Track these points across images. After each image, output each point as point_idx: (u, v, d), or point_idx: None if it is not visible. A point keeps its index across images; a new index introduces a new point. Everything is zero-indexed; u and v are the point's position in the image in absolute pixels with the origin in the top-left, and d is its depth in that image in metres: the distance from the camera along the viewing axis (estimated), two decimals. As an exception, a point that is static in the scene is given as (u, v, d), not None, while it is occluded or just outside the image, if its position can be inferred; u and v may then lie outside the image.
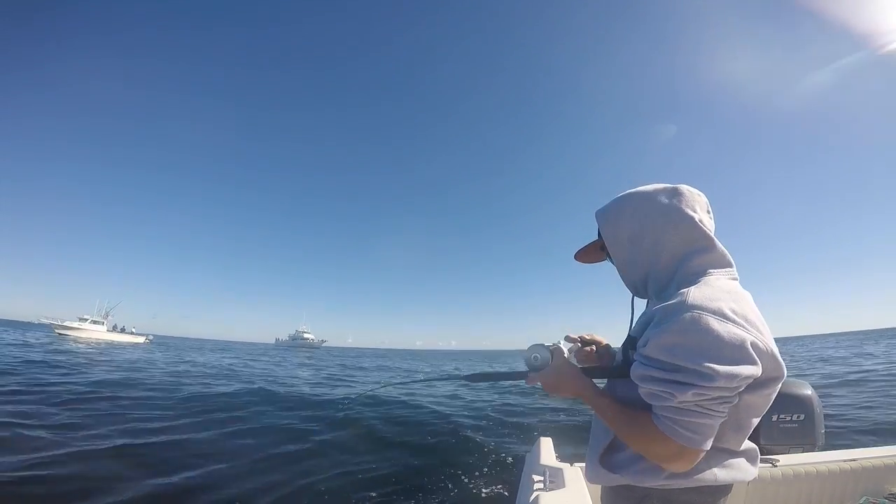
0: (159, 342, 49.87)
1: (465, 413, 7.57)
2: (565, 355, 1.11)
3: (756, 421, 0.95)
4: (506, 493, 3.71)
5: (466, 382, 1.20)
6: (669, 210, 1.00)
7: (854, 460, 2.11)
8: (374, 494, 3.73)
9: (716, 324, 0.82)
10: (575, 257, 1.24)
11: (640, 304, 1.14)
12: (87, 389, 8.06)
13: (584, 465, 1.93)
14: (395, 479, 4.08)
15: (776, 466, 2.00)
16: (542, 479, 1.79)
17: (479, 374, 1.20)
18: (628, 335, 1.08)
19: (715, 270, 0.97)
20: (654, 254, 1.02)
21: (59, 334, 37.75)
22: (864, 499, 2.07)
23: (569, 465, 1.93)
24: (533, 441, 2.45)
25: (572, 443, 4.89)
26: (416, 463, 4.63)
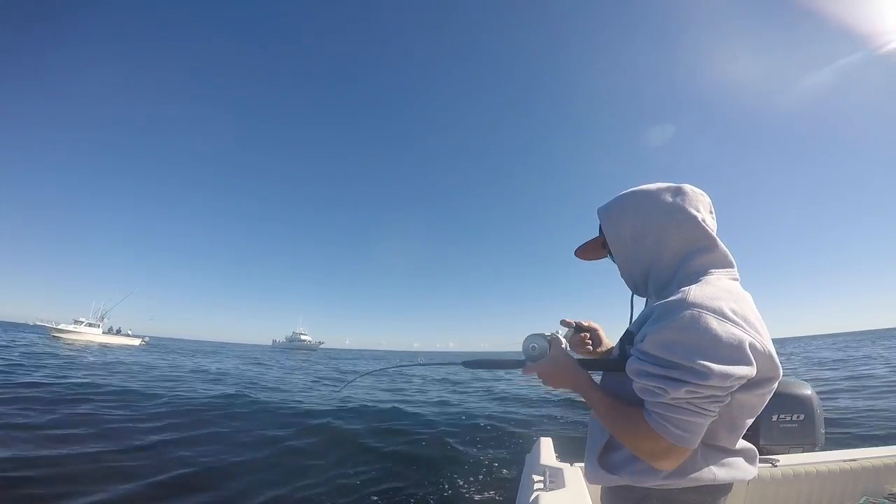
0: (155, 344, 49.56)
1: (461, 417, 7.50)
2: (563, 345, 1.11)
3: (750, 421, 0.95)
4: (506, 493, 3.70)
5: (465, 367, 1.22)
6: (673, 209, 1.00)
7: (854, 460, 2.12)
8: (375, 499, 3.72)
9: (715, 323, 0.83)
10: (575, 254, 1.25)
11: (639, 303, 1.15)
12: (58, 391, 7.88)
13: (584, 464, 1.92)
14: (386, 486, 4.02)
15: (776, 466, 2.00)
16: (542, 479, 1.79)
17: (477, 360, 1.22)
18: (626, 330, 1.09)
19: (716, 270, 0.97)
20: (657, 252, 1.02)
21: (54, 337, 37.52)
22: (864, 499, 2.07)
23: (569, 465, 1.93)
24: (533, 441, 2.45)
25: (572, 443, 4.86)
26: (413, 466, 4.57)
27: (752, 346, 0.83)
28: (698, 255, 0.98)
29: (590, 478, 1.09)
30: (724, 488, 1.00)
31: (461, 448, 5.18)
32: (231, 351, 46.78)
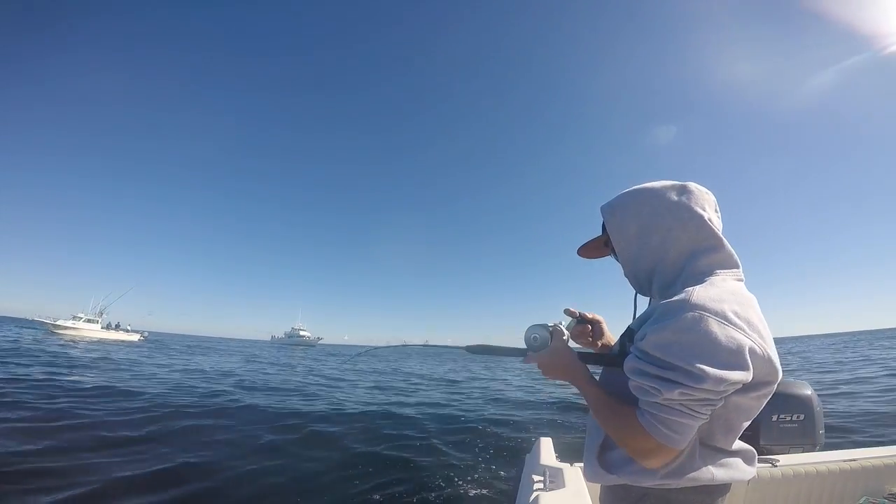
0: (153, 339, 49.27)
1: (459, 419, 7.44)
2: (564, 337, 1.11)
3: (746, 423, 0.95)
4: (506, 493, 3.69)
5: (468, 352, 1.23)
6: (679, 207, 0.99)
7: (854, 460, 2.12)
8: (374, 491, 3.70)
9: (715, 326, 0.82)
10: (578, 252, 1.23)
11: (643, 301, 1.13)
12: (40, 388, 7.82)
13: (582, 463, 1.92)
14: (384, 487, 3.94)
15: (776, 466, 2.00)
16: (542, 479, 1.78)
17: (479, 346, 1.23)
18: (628, 327, 1.07)
19: (722, 271, 0.96)
20: (662, 251, 1.01)
21: (53, 333, 37.49)
22: (864, 499, 2.07)
23: (569, 465, 1.93)
24: (533, 441, 2.45)
25: (572, 443, 4.89)
26: (410, 467, 4.52)
27: (751, 350, 0.83)
28: (704, 255, 0.96)
29: (588, 476, 1.09)
30: (723, 488, 0.99)
31: (460, 448, 5.17)
32: (229, 346, 46.77)
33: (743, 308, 0.86)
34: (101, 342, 31.71)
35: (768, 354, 0.86)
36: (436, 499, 3.66)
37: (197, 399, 8.13)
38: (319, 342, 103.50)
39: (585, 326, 1.32)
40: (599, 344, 1.32)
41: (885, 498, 2.07)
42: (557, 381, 1.07)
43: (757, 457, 1.03)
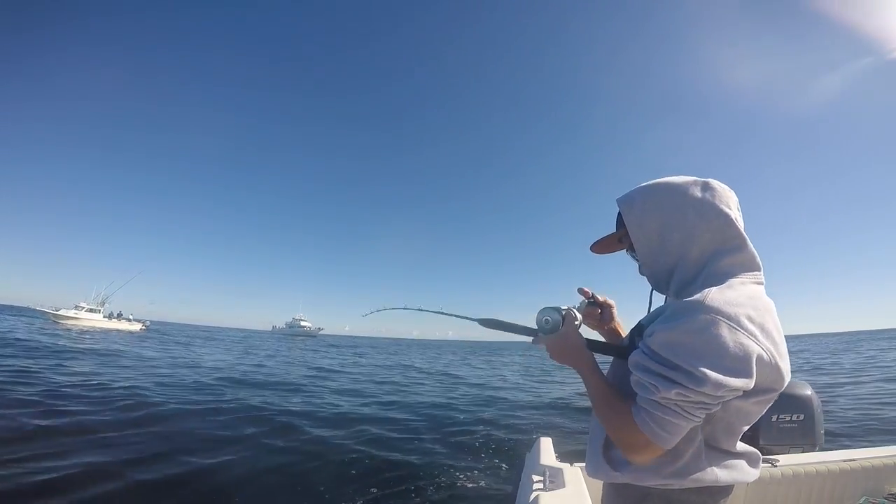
0: (155, 329, 49.14)
1: (458, 417, 7.26)
2: (577, 322, 1.10)
3: (745, 427, 0.95)
4: (505, 493, 3.59)
5: (480, 324, 1.23)
6: (703, 205, 0.95)
7: (854, 460, 2.11)
8: (374, 491, 3.66)
9: (726, 330, 0.80)
10: (591, 249, 1.19)
11: (658, 298, 1.11)
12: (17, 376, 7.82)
13: (584, 464, 1.90)
14: (383, 482, 3.90)
15: (776, 466, 1.99)
16: (541, 479, 1.77)
17: (492, 320, 1.23)
18: (638, 322, 1.06)
19: (743, 273, 0.92)
20: (683, 249, 0.97)
21: (55, 322, 37.62)
22: (863, 499, 2.07)
23: (569, 465, 1.92)
24: (533, 441, 2.44)
25: (572, 443, 4.89)
26: (408, 465, 4.43)
27: (759, 357, 0.81)
28: (727, 255, 0.93)
29: (591, 472, 1.08)
30: (725, 490, 0.99)
31: (459, 447, 5.11)
32: (228, 336, 46.73)
33: (759, 313, 0.84)
34: (102, 331, 31.77)
35: (776, 362, 0.84)
36: (435, 499, 3.63)
37: (183, 393, 7.77)
38: (320, 332, 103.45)
39: (595, 308, 1.31)
40: (606, 328, 1.30)
41: (885, 498, 2.06)
42: (565, 368, 1.07)
43: (761, 458, 1.02)
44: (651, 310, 1.08)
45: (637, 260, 1.07)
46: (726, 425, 0.92)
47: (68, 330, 28.59)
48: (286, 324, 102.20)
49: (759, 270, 0.95)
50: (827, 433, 2.23)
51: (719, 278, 0.90)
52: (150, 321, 54.63)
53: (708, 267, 0.93)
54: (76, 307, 43.72)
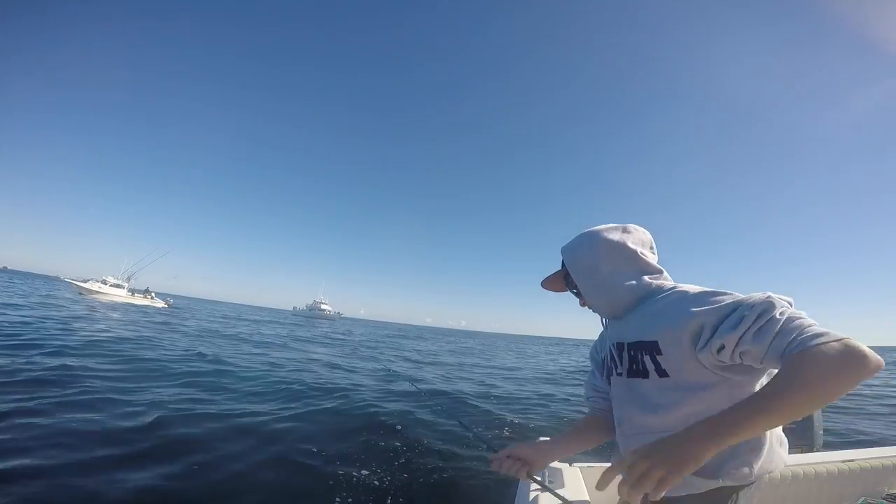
0: (179, 305, 49.44)
1: (457, 415, 6.60)
2: None
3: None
4: (505, 494, 3.42)
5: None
6: (619, 245, 1.20)
7: (852, 461, 2.11)
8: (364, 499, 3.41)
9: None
10: (542, 284, 1.39)
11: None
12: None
13: (584, 465, 1.93)
14: (380, 481, 3.72)
15: None
16: (541, 479, 1.77)
17: None
18: (630, 341, 1.15)
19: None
20: (614, 279, 1.20)
21: (81, 294, 38.56)
22: (861, 500, 2.07)
23: (568, 464, 1.93)
24: (532, 441, 2.39)
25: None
26: (406, 464, 4.19)
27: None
28: (652, 276, 1.19)
29: (679, 490, 1.04)
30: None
31: (457, 446, 4.94)
32: (250, 316, 46.22)
33: None
34: (123, 306, 31.24)
35: None
36: (434, 499, 3.56)
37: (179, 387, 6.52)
38: (341, 317, 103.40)
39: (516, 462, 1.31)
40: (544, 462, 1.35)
41: (884, 499, 2.06)
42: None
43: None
44: (607, 340, 1.29)
45: (578, 296, 1.29)
46: (730, 400, 0.96)
47: (95, 302, 28.90)
48: (307, 306, 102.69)
49: None
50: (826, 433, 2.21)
51: (664, 287, 1.16)
52: (173, 299, 55.08)
53: (641, 286, 1.18)
54: (102, 281, 44.79)
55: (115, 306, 29.34)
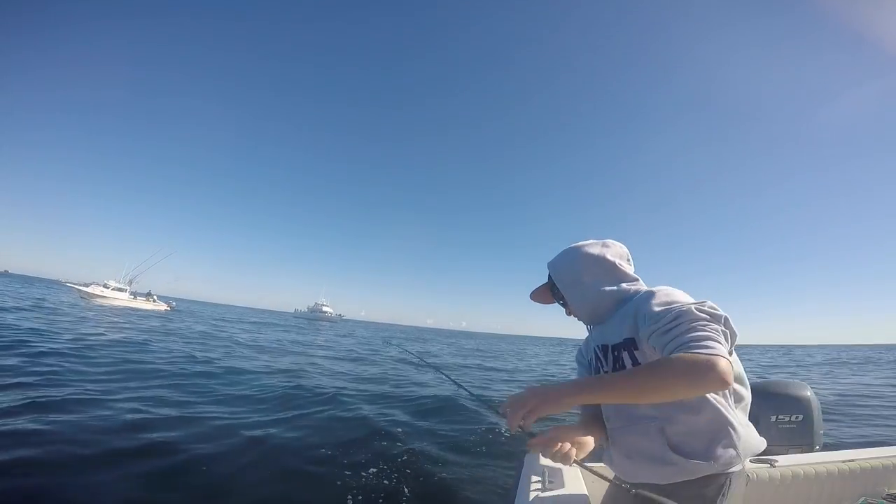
0: (181, 308, 48.79)
1: (455, 414, 6.62)
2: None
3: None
4: (505, 494, 3.48)
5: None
6: (599, 258, 1.35)
7: (852, 461, 2.11)
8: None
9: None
10: (530, 297, 1.53)
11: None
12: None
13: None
14: (378, 482, 3.70)
15: (774, 467, 1.99)
16: (540, 479, 1.76)
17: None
18: (613, 343, 1.28)
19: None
20: (595, 288, 1.34)
21: (83, 299, 38.38)
22: (861, 499, 2.06)
23: (568, 465, 1.91)
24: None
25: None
26: (404, 464, 4.18)
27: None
28: (628, 283, 1.33)
29: (666, 477, 1.16)
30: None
31: (456, 445, 4.93)
32: (251, 319, 46.13)
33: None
34: (128, 311, 31.11)
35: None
36: (433, 499, 3.53)
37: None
38: (342, 319, 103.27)
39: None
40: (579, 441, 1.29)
41: (884, 499, 2.05)
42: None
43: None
44: (592, 345, 1.41)
45: (564, 306, 1.44)
46: None
47: (87, 307, 27.68)
48: (308, 308, 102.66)
49: None
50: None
51: (635, 291, 1.31)
52: (175, 301, 54.87)
53: (619, 292, 1.32)
54: (104, 285, 44.63)
55: (116, 310, 29.20)
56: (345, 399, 6.81)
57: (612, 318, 1.31)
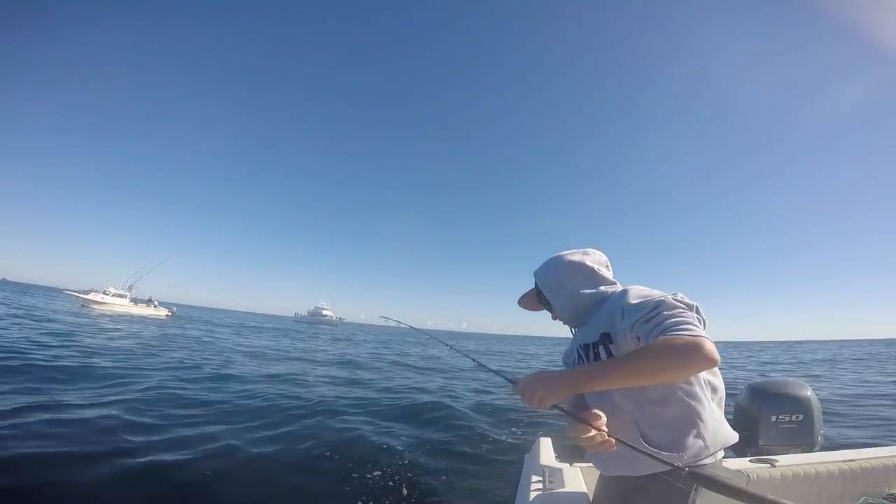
0: (181, 314, 48.50)
1: (454, 414, 6.63)
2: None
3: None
4: (504, 494, 3.37)
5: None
6: (580, 265, 1.47)
7: (852, 461, 2.10)
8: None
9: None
10: (518, 302, 1.66)
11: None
12: None
13: (584, 465, 1.94)
14: (376, 481, 3.68)
15: (774, 466, 1.99)
16: (541, 479, 1.78)
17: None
18: (592, 341, 1.35)
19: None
20: (576, 293, 1.45)
21: (83, 307, 38.23)
22: (861, 499, 2.06)
23: (568, 464, 1.93)
24: (532, 441, 2.41)
25: (572, 442, 4.62)
26: (402, 464, 4.17)
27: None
28: (605, 286, 1.44)
29: (640, 469, 1.20)
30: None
31: (455, 445, 4.92)
32: (251, 323, 46.28)
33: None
34: (125, 317, 30.69)
35: None
36: (432, 499, 3.52)
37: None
38: (343, 322, 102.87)
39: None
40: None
41: (884, 499, 2.04)
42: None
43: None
44: (576, 345, 1.49)
45: (550, 311, 1.57)
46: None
47: (86, 314, 27.19)
48: (308, 312, 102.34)
49: None
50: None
51: (612, 292, 1.41)
52: (176, 307, 54.67)
53: (598, 294, 1.42)
54: (104, 292, 44.42)
55: (116, 317, 29.04)
56: (339, 407, 6.66)
57: (592, 318, 1.41)
